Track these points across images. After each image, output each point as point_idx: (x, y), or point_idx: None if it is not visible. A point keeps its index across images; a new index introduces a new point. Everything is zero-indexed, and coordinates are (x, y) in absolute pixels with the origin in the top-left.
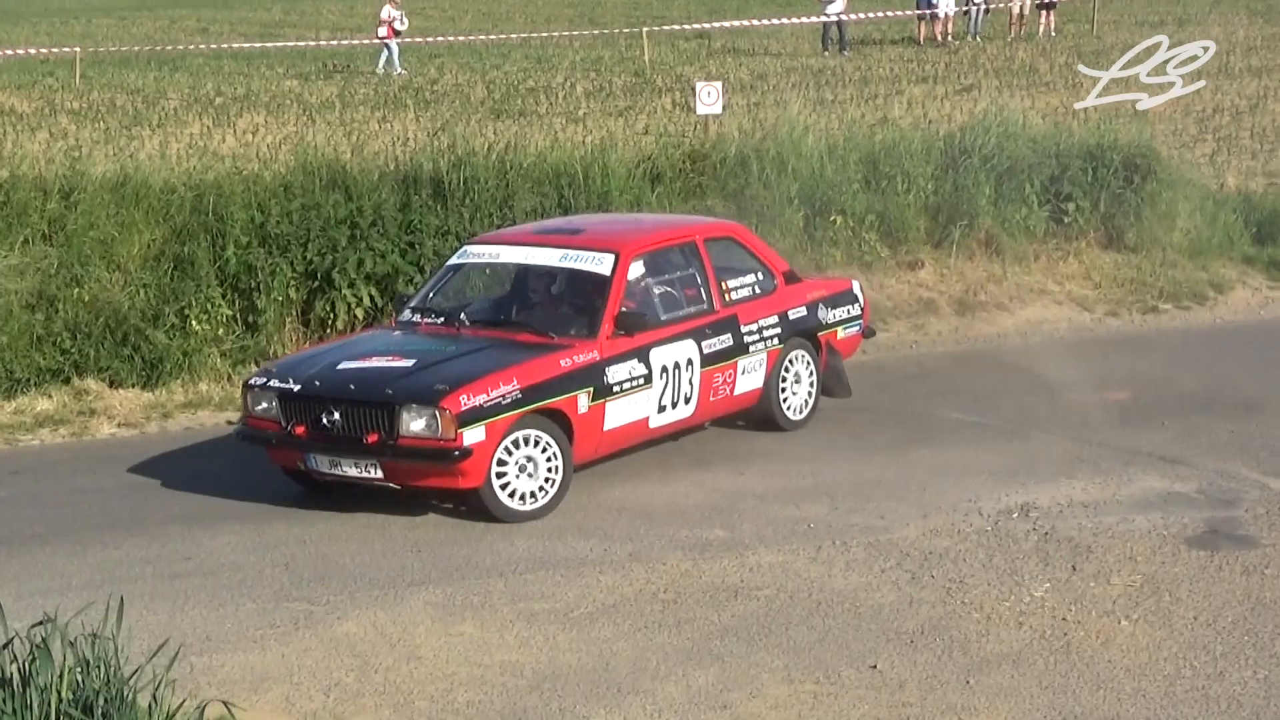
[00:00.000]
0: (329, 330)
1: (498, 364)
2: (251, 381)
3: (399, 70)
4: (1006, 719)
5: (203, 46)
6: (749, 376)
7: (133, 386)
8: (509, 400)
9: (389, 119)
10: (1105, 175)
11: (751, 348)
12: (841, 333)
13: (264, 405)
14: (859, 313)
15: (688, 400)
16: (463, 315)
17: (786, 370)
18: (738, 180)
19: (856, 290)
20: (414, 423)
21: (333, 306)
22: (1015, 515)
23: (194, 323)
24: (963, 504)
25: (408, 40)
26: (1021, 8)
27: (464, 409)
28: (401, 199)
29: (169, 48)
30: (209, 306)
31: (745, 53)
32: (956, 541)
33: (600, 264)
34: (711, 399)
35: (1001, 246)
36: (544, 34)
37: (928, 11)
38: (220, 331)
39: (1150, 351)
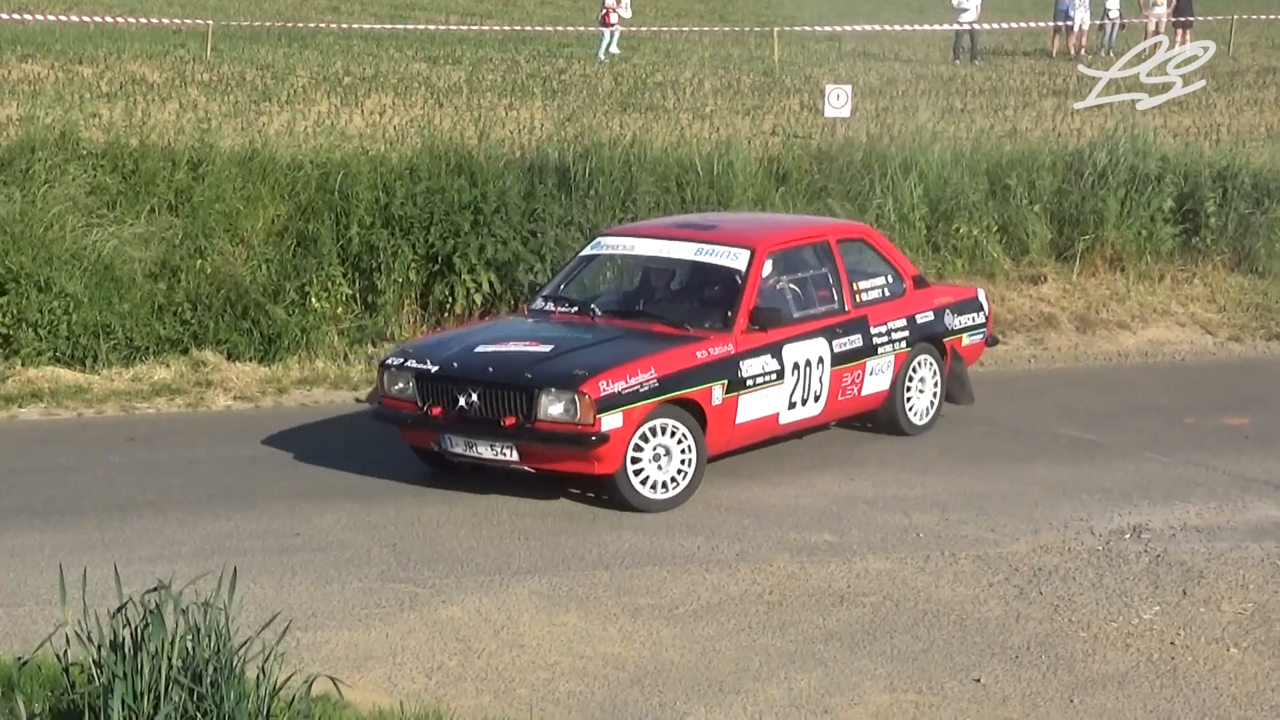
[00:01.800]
0: (447, 314)
1: (636, 352)
2: (389, 361)
3: (613, 52)
4: None
5: (333, 25)
6: (876, 378)
7: (250, 360)
8: (646, 388)
9: (515, 106)
10: (1235, 198)
11: (880, 349)
12: (966, 340)
13: (400, 385)
14: (983, 321)
15: (817, 398)
16: (596, 305)
17: (912, 374)
18: (862, 184)
19: (982, 299)
20: (553, 406)
21: (452, 291)
22: (1127, 536)
23: (314, 300)
24: (1074, 522)
25: (536, 29)
26: (1156, 25)
27: (603, 394)
28: (526, 187)
29: (299, 25)
30: (329, 285)
31: (876, 57)
32: (1066, 559)
33: (736, 259)
34: (840, 398)
35: (1126, 264)
36: (674, 28)
37: (1063, 24)
38: (339, 310)
39: (1272, 378)
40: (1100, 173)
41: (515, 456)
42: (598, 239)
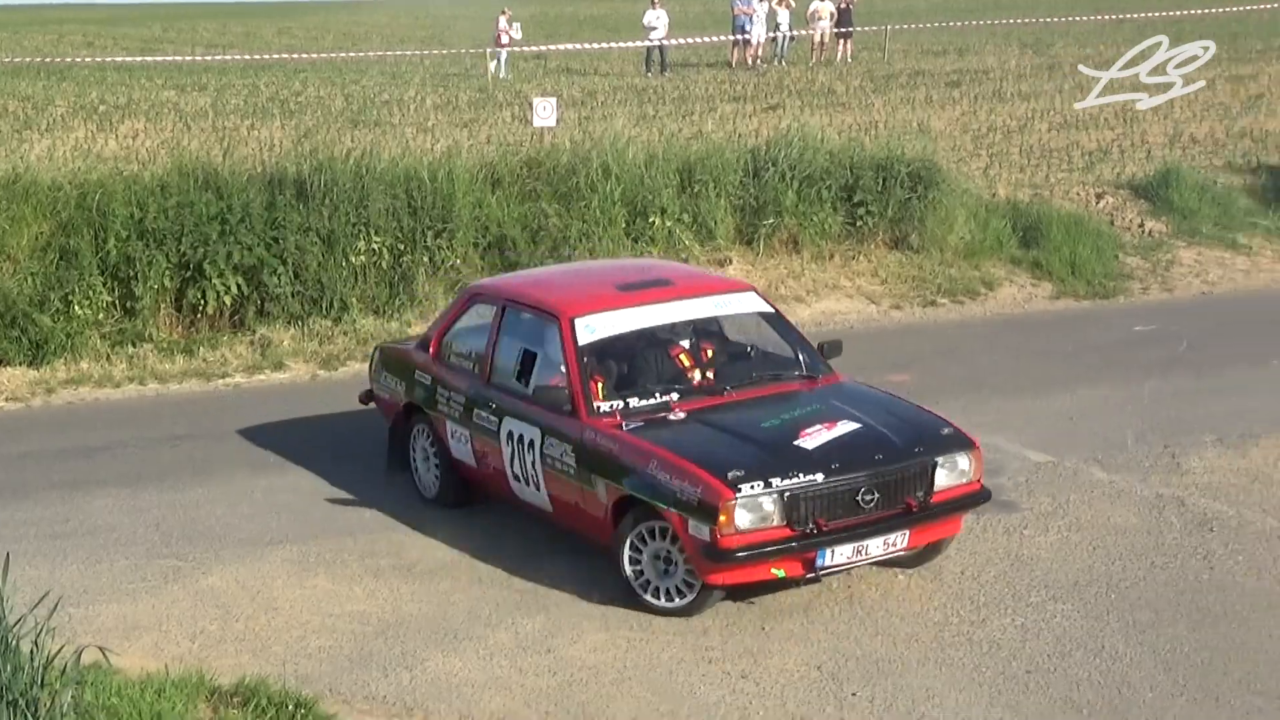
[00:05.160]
0: (200, 314)
1: (899, 401)
2: (740, 487)
3: (505, 76)
4: (796, 660)
5: (88, 59)
6: None
7: (19, 365)
8: None
9: (257, 126)
10: (893, 185)
11: None
12: None
13: (755, 514)
14: None
15: None
16: (718, 384)
17: None
18: (568, 185)
19: None
20: (950, 474)
21: (204, 294)
22: None
23: (76, 307)
24: None
25: (275, 57)
26: (822, 35)
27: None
28: (267, 199)
29: (57, 60)
30: (90, 293)
31: (578, 72)
32: None
33: (754, 302)
34: None
35: (801, 246)
36: (398, 53)
37: (740, 37)
38: (100, 315)
39: (928, 340)
40: (775, 166)
41: (905, 544)
42: (575, 324)
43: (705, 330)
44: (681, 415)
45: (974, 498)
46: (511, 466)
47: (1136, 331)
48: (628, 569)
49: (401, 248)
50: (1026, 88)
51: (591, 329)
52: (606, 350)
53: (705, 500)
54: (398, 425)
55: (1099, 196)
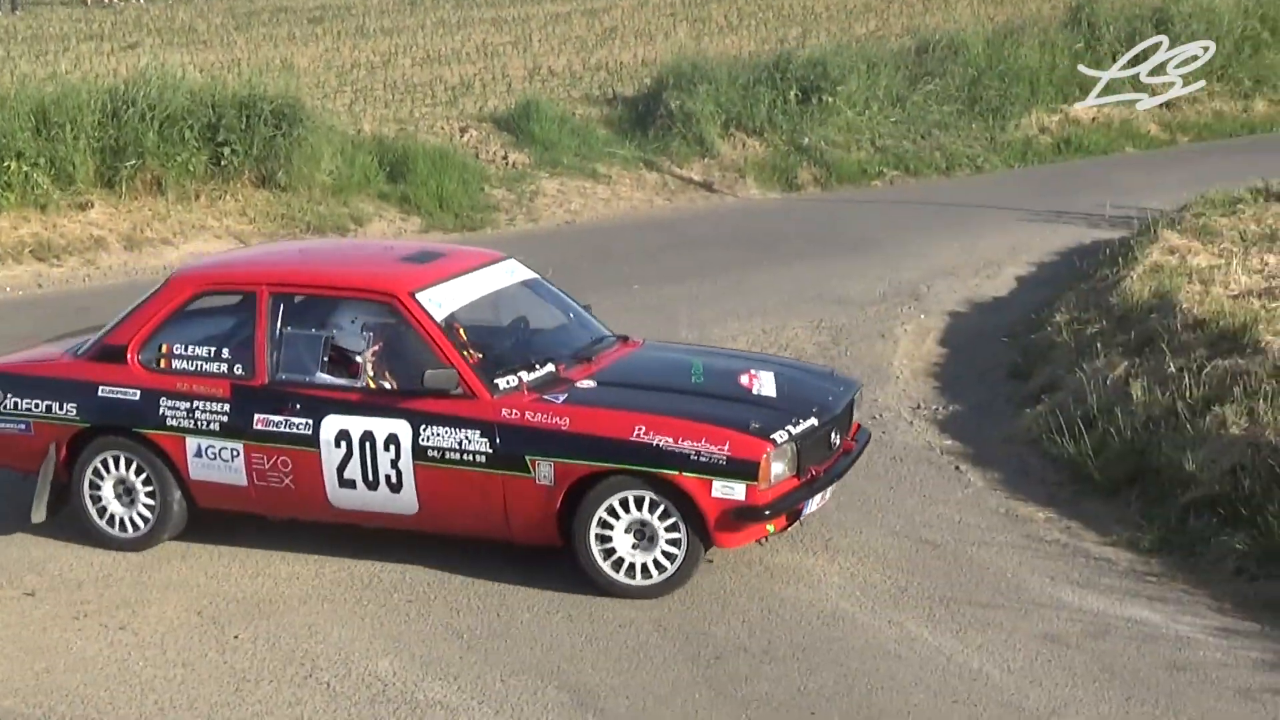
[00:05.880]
0: None
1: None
2: (773, 437)
3: None
4: (176, 607)
5: None
6: None
7: None
8: None
9: None
10: (257, 123)
11: None
12: None
13: (782, 464)
14: None
15: None
16: (564, 351)
17: None
18: None
19: None
20: (856, 414)
21: None
22: None
23: None
24: None
25: None
26: None
27: None
28: None
29: None
30: None
31: None
32: None
33: (524, 271)
34: None
35: (165, 187)
36: None
37: None
38: None
39: None
40: (135, 106)
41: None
42: (423, 300)
43: (512, 300)
44: (592, 383)
45: (866, 435)
46: (340, 473)
47: None
48: (596, 551)
49: None
50: (389, 23)
51: (439, 303)
52: (454, 325)
53: (738, 456)
54: (63, 458)
55: (463, 130)
